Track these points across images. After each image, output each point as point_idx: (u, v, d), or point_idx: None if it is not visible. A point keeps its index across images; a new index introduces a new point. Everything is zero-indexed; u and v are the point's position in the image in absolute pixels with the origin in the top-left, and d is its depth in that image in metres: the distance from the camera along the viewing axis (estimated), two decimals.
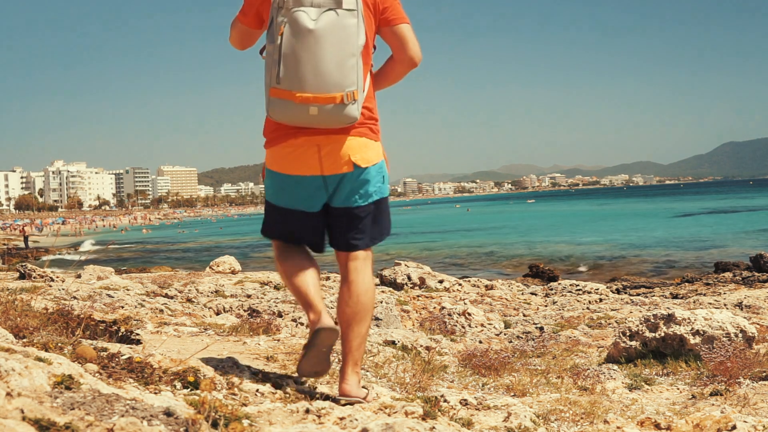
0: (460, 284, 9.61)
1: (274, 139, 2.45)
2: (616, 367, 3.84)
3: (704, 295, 11.22)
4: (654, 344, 3.97)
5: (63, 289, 6.08)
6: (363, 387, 2.50)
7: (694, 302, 8.34)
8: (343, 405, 2.30)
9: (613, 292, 11.09)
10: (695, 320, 3.88)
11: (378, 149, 2.49)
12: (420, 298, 7.87)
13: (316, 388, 2.58)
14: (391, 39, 2.52)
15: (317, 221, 2.51)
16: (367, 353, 3.50)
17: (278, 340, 3.85)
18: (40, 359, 1.78)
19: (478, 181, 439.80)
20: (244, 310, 6.21)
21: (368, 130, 2.45)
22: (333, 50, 2.28)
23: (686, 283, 15.45)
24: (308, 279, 2.47)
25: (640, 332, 4.03)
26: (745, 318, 4.12)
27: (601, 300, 8.92)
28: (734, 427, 2.28)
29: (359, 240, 2.50)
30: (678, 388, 3.36)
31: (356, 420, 2.02)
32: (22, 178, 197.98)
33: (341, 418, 2.03)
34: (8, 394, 1.47)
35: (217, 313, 6.33)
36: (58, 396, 1.56)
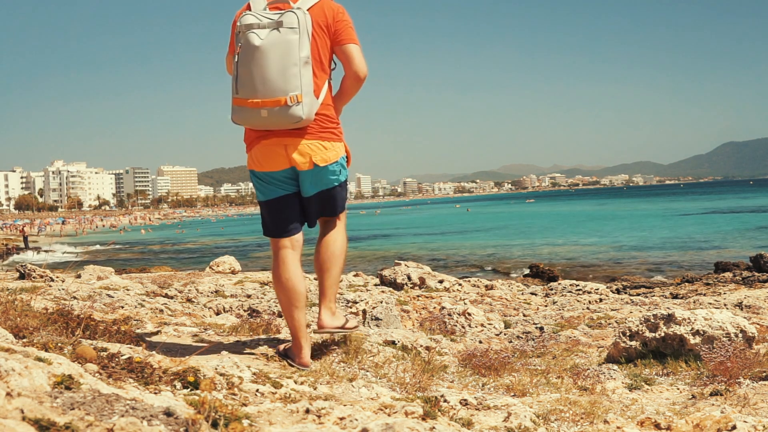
0: (460, 284, 9.60)
1: (251, 143, 2.98)
2: (616, 367, 3.84)
3: (704, 295, 11.22)
4: (654, 344, 3.97)
5: (63, 289, 6.08)
6: (344, 317, 3.26)
7: (694, 302, 8.34)
8: (317, 334, 3.18)
9: (613, 292, 11.09)
10: (695, 320, 3.88)
11: (338, 148, 3.00)
12: (420, 298, 7.87)
13: (316, 388, 2.58)
14: (341, 56, 2.99)
15: (292, 205, 3.05)
16: (367, 353, 3.51)
17: (278, 340, 3.85)
18: (40, 359, 1.78)
19: (478, 181, 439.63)
20: (244, 310, 6.21)
21: (330, 133, 2.95)
22: (276, 61, 2.74)
23: (686, 283, 15.44)
24: (299, 303, 3.02)
25: (640, 332, 4.03)
26: (745, 318, 4.12)
27: (601, 300, 8.91)
28: (734, 427, 2.28)
29: (329, 208, 3.10)
30: (678, 388, 3.36)
31: (356, 420, 2.02)
32: (22, 178, 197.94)
33: (341, 418, 2.03)
34: (8, 394, 1.47)
35: (217, 313, 6.32)
36: (58, 396, 1.56)
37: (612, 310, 7.64)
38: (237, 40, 2.81)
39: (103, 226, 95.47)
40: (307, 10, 2.86)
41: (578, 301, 8.81)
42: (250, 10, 2.87)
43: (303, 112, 2.76)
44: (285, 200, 3.03)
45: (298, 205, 3.06)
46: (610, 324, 6.25)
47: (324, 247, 3.12)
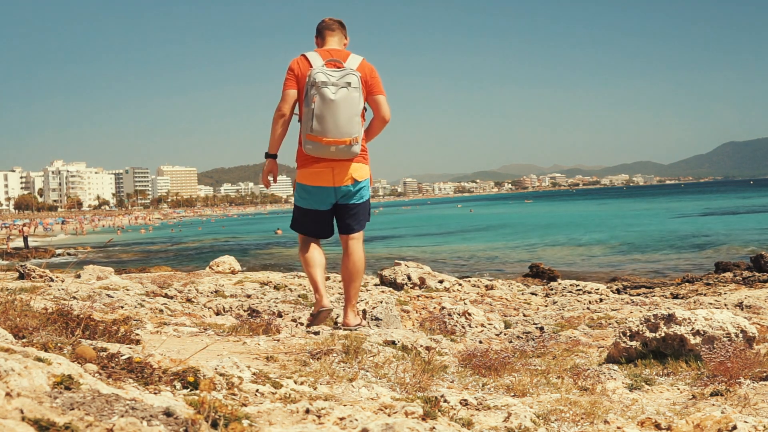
0: (460, 284, 9.60)
1: (304, 164, 3.97)
2: (616, 367, 3.84)
3: (705, 295, 11.21)
4: (654, 344, 3.96)
5: (62, 289, 6.08)
6: (361, 318, 4.41)
7: (694, 302, 8.33)
8: (343, 331, 3.85)
9: (614, 292, 11.08)
10: (696, 320, 3.87)
11: (367, 170, 4.06)
12: (420, 298, 7.86)
13: (316, 388, 2.58)
14: (372, 104, 4.01)
15: (328, 216, 4.10)
16: (367, 353, 3.51)
17: (278, 340, 3.84)
18: (39, 359, 1.78)
19: (478, 181, 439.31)
20: (244, 310, 6.21)
21: (362, 158, 3.99)
22: (345, 112, 3.73)
23: (686, 283, 15.43)
24: (319, 270, 4.10)
25: (641, 332, 4.02)
26: (745, 318, 4.11)
27: (601, 300, 8.90)
28: (735, 428, 2.28)
29: (355, 225, 4.14)
30: (678, 389, 3.36)
31: (356, 420, 2.02)
32: (21, 177, 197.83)
33: (341, 418, 2.03)
34: (8, 394, 1.47)
35: (217, 313, 6.32)
36: (57, 396, 1.55)
37: (612, 310, 7.64)
38: (309, 90, 3.74)
39: (103, 225, 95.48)
40: (356, 69, 3.85)
41: (578, 301, 8.80)
42: (310, 65, 3.85)
43: (358, 150, 3.85)
44: (321, 214, 4.07)
45: (328, 220, 4.12)
46: (610, 324, 6.25)
47: (351, 263, 4.17)
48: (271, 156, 4.06)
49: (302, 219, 4.11)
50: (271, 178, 4.17)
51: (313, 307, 4.36)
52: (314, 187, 3.97)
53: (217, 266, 11.25)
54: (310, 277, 4.14)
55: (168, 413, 1.58)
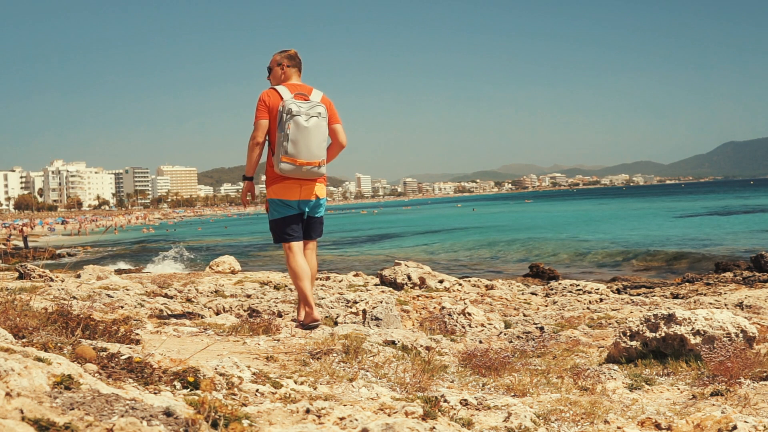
0: (460, 284, 9.59)
1: (274, 182, 4.54)
2: (616, 367, 3.84)
3: (705, 295, 11.21)
4: (654, 344, 3.96)
5: (62, 289, 6.08)
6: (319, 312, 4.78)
7: (694, 302, 8.33)
8: (312, 328, 4.41)
9: (614, 292, 11.07)
10: (696, 320, 3.87)
11: (326, 190, 4.72)
12: (420, 298, 7.86)
13: (316, 388, 2.58)
14: (332, 132, 4.63)
15: (300, 219, 4.63)
16: (367, 353, 3.51)
17: (278, 340, 3.84)
18: (39, 359, 1.78)
19: (478, 181, 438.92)
20: (244, 310, 6.20)
21: (324, 179, 4.65)
22: (316, 138, 4.36)
23: (687, 283, 15.42)
24: (308, 283, 4.57)
25: (641, 332, 4.02)
26: (745, 318, 4.11)
27: (601, 300, 8.90)
28: (735, 427, 2.28)
29: (313, 234, 4.73)
30: (678, 388, 3.36)
31: (356, 420, 2.02)
32: (21, 177, 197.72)
33: (341, 418, 2.03)
34: (8, 394, 1.47)
35: (217, 313, 6.32)
36: (57, 396, 1.55)
37: (612, 310, 7.63)
38: (284, 117, 4.31)
39: (103, 225, 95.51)
40: (320, 101, 4.47)
41: (578, 300, 8.80)
42: (281, 97, 4.40)
43: (324, 171, 4.49)
44: (294, 217, 4.59)
45: (300, 222, 4.64)
46: (610, 324, 6.25)
47: (311, 263, 4.70)
48: (248, 178, 4.67)
49: (283, 228, 4.58)
50: (249, 198, 4.84)
51: (303, 317, 4.61)
52: (285, 201, 4.53)
53: (217, 266, 11.25)
54: (301, 290, 4.55)
55: (168, 413, 1.58)
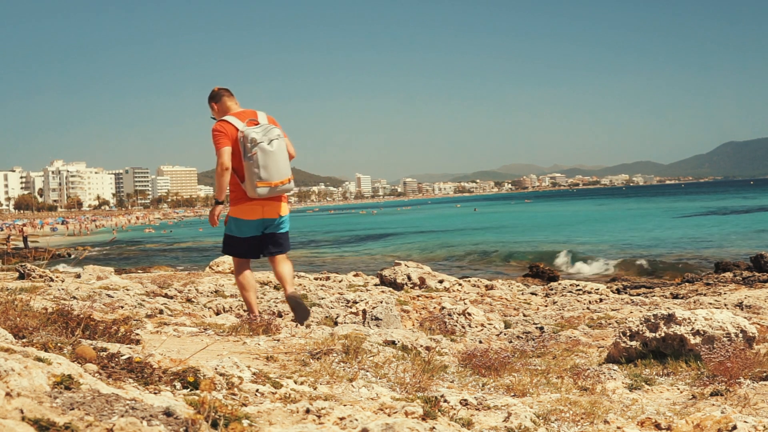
0: (460, 284, 9.60)
1: (239, 202, 4.72)
2: (616, 367, 3.84)
3: (705, 295, 11.21)
4: (654, 344, 3.96)
5: (62, 289, 6.08)
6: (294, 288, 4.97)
7: (694, 302, 8.33)
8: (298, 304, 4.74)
9: (614, 292, 11.08)
10: (695, 320, 3.87)
11: (288, 208, 4.93)
12: (420, 298, 7.86)
13: (316, 388, 2.58)
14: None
15: (256, 241, 4.85)
16: (367, 353, 3.51)
17: (278, 340, 3.84)
18: (39, 359, 1.78)
19: (478, 181, 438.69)
20: (244, 310, 6.20)
21: (285, 199, 4.87)
22: (282, 158, 4.59)
23: (686, 283, 15.42)
24: (253, 294, 4.86)
25: (641, 332, 4.03)
26: (745, 318, 4.11)
27: (601, 300, 8.90)
28: (735, 427, 2.28)
29: (279, 250, 4.89)
30: (678, 388, 3.36)
31: (356, 420, 2.02)
32: (21, 177, 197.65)
33: (341, 418, 2.03)
34: (8, 394, 1.47)
35: (217, 313, 6.32)
36: (57, 396, 1.55)
37: (612, 310, 7.64)
38: (246, 145, 4.51)
39: (104, 225, 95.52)
40: (269, 122, 4.69)
41: (578, 301, 8.80)
42: (235, 127, 4.59)
43: (293, 186, 4.74)
44: (253, 239, 4.83)
45: (255, 244, 4.86)
46: (610, 324, 6.25)
47: (283, 272, 4.90)
48: (219, 203, 4.88)
49: (234, 244, 4.84)
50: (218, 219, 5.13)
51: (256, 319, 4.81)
52: (246, 220, 4.75)
53: (217, 266, 11.25)
54: (247, 300, 4.87)
55: (168, 413, 1.58)
